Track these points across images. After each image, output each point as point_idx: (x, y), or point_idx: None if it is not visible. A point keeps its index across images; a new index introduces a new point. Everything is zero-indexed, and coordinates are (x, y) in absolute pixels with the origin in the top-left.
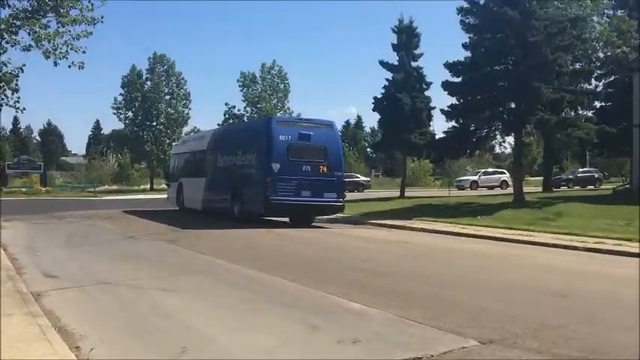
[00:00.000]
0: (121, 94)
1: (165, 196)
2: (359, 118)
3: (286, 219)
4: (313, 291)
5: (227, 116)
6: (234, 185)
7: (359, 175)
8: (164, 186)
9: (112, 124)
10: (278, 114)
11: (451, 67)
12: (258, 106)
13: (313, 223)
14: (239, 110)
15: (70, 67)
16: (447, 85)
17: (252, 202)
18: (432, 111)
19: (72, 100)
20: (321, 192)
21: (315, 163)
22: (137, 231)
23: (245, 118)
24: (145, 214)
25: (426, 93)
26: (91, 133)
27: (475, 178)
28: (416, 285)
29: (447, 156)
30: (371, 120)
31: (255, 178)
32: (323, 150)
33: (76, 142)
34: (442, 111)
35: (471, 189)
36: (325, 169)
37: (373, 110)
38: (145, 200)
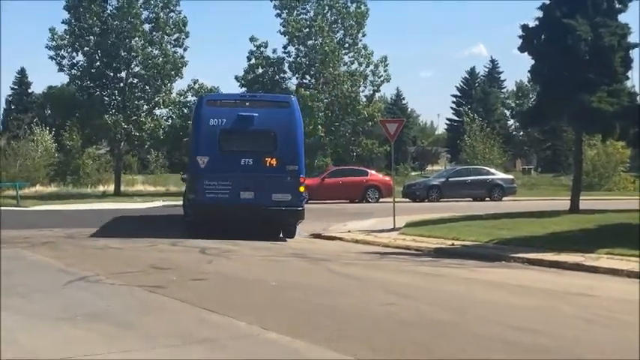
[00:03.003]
0: (63, 23)
1: (152, 204)
2: (493, 64)
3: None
4: None
5: (254, 61)
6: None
7: (494, 170)
8: (141, 187)
9: (47, 76)
10: (346, 57)
11: None
12: (309, 43)
13: (398, 256)
14: (274, 51)
15: None
16: None
17: (186, 205)
18: (632, 51)
19: None
20: (267, 192)
21: (259, 154)
22: (95, 266)
23: (285, 65)
24: (113, 230)
25: (621, 18)
26: (11, 92)
27: None
28: None
29: None
30: (516, 68)
31: (187, 175)
32: (271, 137)
33: None
34: None
35: None
36: (274, 161)
37: (521, 50)
38: (107, 212)
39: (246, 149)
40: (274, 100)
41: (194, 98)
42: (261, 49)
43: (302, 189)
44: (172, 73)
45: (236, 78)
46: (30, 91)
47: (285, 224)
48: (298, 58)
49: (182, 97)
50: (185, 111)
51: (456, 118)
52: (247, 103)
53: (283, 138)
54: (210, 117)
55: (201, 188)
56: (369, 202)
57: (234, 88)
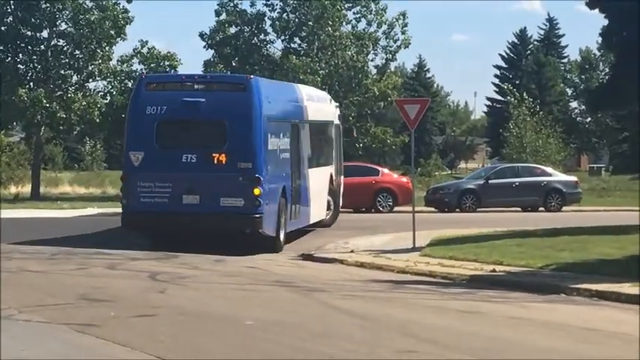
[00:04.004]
0: None
1: (83, 212)
2: (551, 25)
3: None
4: None
5: (224, 17)
6: None
7: (550, 170)
8: (68, 189)
9: None
10: (350, 13)
11: None
12: None
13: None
14: (253, 4)
15: None
16: None
17: None
18: None
19: None
20: (215, 196)
21: (205, 149)
22: (5, 296)
23: (267, 24)
24: (30, 246)
25: None
26: None
27: None
28: None
29: None
30: (583, 30)
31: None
32: (220, 127)
33: None
34: None
35: None
36: (224, 158)
37: (590, 6)
38: (23, 222)
39: (190, 143)
40: (227, 81)
41: (141, 67)
42: (235, 0)
43: (257, 192)
44: (112, 32)
45: (201, 36)
46: None
47: (238, 232)
48: (285, 14)
49: (125, 66)
50: (129, 84)
51: (499, 97)
52: (196, 86)
53: (235, 129)
54: (147, 104)
55: (134, 191)
56: (381, 211)
57: (197, 52)
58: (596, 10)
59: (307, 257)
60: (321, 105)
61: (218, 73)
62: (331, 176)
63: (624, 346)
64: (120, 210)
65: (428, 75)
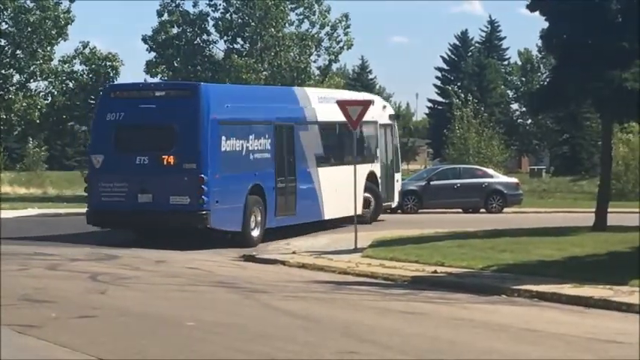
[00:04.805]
0: None
1: (23, 213)
2: (492, 27)
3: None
4: None
5: (166, 17)
6: None
7: (492, 171)
8: (8, 189)
9: None
10: (293, 14)
11: None
12: None
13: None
14: (195, 4)
15: None
16: None
17: None
18: None
19: None
20: (165, 195)
21: (155, 151)
22: None
23: (210, 24)
24: None
25: None
26: None
27: None
28: None
29: None
30: (523, 33)
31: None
32: (170, 131)
33: None
34: None
35: None
36: (172, 160)
37: (530, 9)
38: None
39: (143, 146)
40: (178, 88)
41: (83, 68)
42: (178, 1)
43: (201, 190)
44: (54, 32)
45: (144, 39)
46: None
47: (189, 228)
48: (228, 15)
49: (67, 66)
50: (71, 85)
51: (440, 99)
52: (153, 93)
53: (183, 132)
54: (108, 110)
55: (96, 191)
56: None
57: (139, 54)
58: (537, 13)
59: (248, 258)
60: None
61: (173, 81)
62: (372, 174)
63: (565, 346)
64: (62, 210)
65: (370, 76)
